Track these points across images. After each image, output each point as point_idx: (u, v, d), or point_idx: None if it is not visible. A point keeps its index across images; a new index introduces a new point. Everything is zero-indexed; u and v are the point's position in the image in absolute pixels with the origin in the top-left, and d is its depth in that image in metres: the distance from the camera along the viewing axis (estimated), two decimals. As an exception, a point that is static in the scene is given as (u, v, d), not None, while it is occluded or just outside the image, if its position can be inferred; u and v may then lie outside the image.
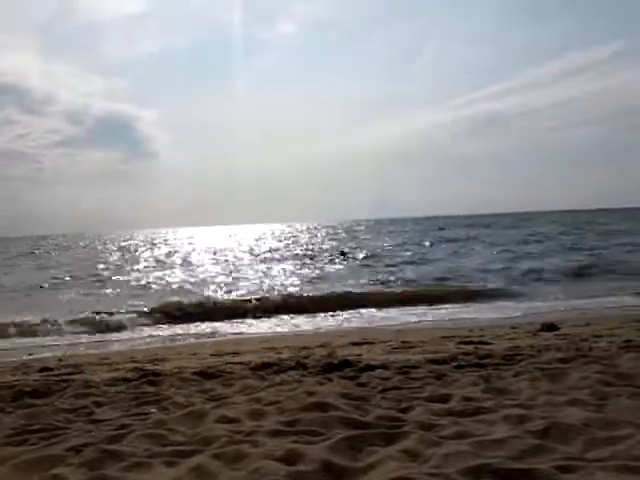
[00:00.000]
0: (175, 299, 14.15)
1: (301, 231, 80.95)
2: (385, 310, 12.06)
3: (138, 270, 26.12)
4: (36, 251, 50.22)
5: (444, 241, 38.07)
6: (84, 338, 10.45)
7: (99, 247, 56.22)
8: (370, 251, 31.00)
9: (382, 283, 16.95)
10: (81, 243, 69.62)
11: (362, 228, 79.32)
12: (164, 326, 11.46)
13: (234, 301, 13.87)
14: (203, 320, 11.79)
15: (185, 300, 13.85)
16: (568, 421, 3.03)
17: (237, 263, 28.14)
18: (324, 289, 15.54)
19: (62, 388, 4.69)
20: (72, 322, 11.38)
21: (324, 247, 38.23)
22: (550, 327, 7.57)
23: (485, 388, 3.99)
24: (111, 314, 11.78)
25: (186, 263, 29.72)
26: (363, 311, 12.10)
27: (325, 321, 11.33)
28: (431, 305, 12.34)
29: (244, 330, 10.82)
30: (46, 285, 20.24)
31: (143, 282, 20.60)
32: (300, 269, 23.30)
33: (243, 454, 2.83)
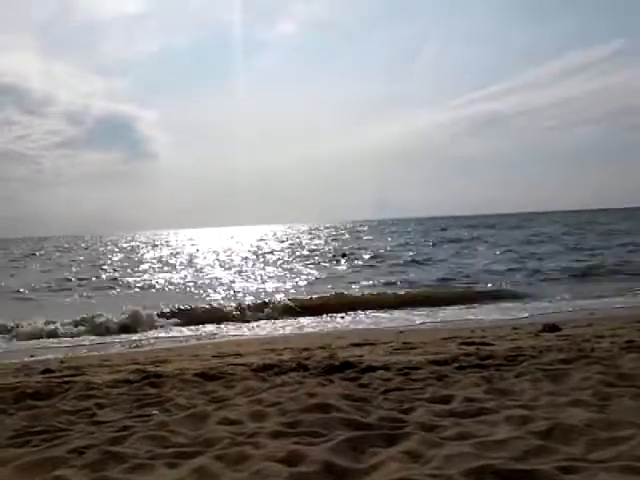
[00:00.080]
0: (176, 301, 14.18)
1: (303, 232, 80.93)
2: (388, 312, 12.03)
3: (142, 272, 26.15)
4: (38, 252, 50.29)
5: (447, 241, 38.05)
6: (86, 340, 10.46)
7: (101, 249, 56.25)
8: (373, 252, 31.00)
9: (385, 284, 16.93)
10: (82, 244, 69.67)
11: (365, 229, 79.32)
12: (166, 328, 11.46)
13: (237, 303, 13.83)
14: (204, 322, 11.79)
15: (186, 302, 13.87)
16: (570, 422, 3.03)
17: (240, 265, 28.14)
18: (326, 290, 15.54)
19: (64, 390, 4.69)
20: (74, 324, 11.39)
21: (327, 248, 38.22)
22: (552, 328, 7.57)
23: (487, 389, 3.99)
24: (113, 316, 11.77)
25: (190, 265, 29.74)
26: (365, 313, 12.07)
27: (326, 322, 11.32)
28: (434, 307, 12.31)
29: (245, 332, 10.82)
30: (49, 287, 20.26)
31: (147, 284, 20.62)
32: (302, 270, 23.30)
33: (245, 455, 2.83)
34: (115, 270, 27.79)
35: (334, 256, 30.22)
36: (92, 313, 11.99)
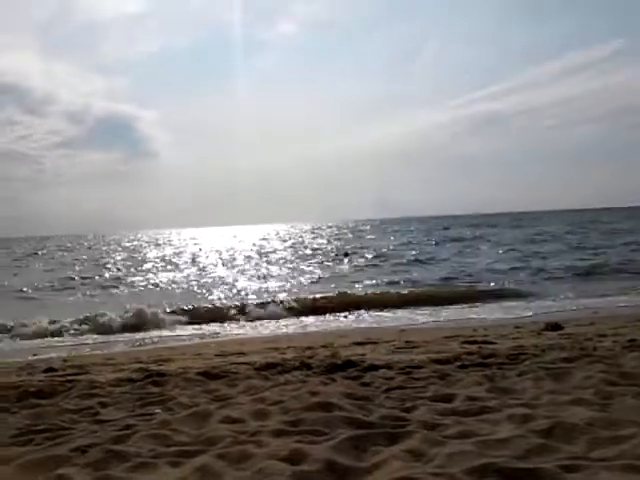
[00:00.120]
0: (179, 300, 14.21)
1: (305, 231, 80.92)
2: (391, 311, 12.03)
3: (145, 271, 26.18)
4: (40, 252, 50.38)
5: (449, 240, 37.99)
6: (89, 339, 10.48)
7: (104, 248, 56.33)
8: (376, 251, 30.99)
9: (388, 284, 16.90)
10: (85, 244, 69.78)
11: (367, 228, 79.27)
12: (169, 326, 11.47)
13: (240, 302, 13.85)
14: (207, 321, 11.81)
15: (189, 301, 13.90)
16: (572, 420, 3.03)
17: (242, 264, 28.16)
18: (329, 289, 15.55)
19: (67, 389, 4.70)
20: (77, 322, 11.41)
21: (330, 247, 38.20)
22: (554, 326, 7.57)
23: (489, 387, 3.99)
24: (117, 315, 11.79)
25: (193, 264, 29.77)
26: (368, 312, 12.07)
27: (329, 321, 11.33)
28: (437, 306, 12.30)
29: (248, 330, 10.83)
30: (52, 286, 20.30)
31: (150, 283, 20.65)
32: (305, 269, 23.30)
33: (247, 454, 2.84)
34: (118, 269, 27.84)
35: (337, 255, 30.22)
36: (95, 312, 12.03)
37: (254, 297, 15.12)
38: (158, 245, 57.77)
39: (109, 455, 2.90)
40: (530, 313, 10.66)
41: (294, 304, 12.97)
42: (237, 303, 13.48)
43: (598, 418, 3.06)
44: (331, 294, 14.23)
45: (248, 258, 31.96)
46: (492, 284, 15.65)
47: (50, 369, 6.06)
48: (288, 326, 11.08)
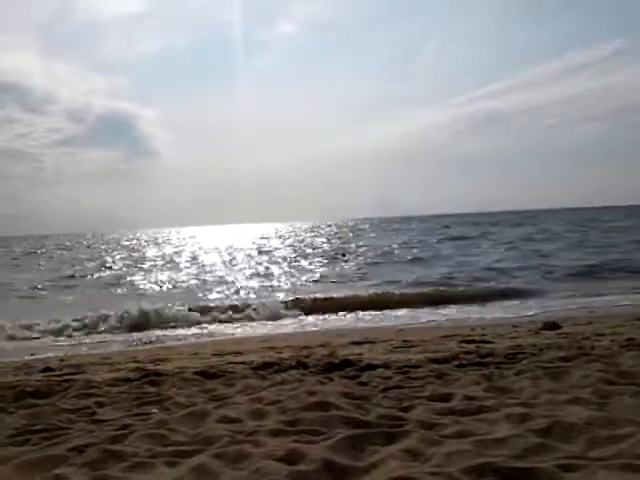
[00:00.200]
0: (178, 299, 14.20)
1: (305, 230, 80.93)
2: (391, 310, 12.01)
3: (144, 269, 26.15)
4: (39, 250, 50.35)
5: (450, 239, 37.92)
6: (86, 338, 10.48)
7: (103, 246, 56.29)
8: (377, 249, 30.98)
9: (389, 282, 16.87)
10: (84, 242, 69.73)
11: (367, 227, 79.25)
12: (166, 326, 11.46)
13: (238, 301, 13.85)
14: (206, 320, 11.80)
15: (188, 300, 13.90)
16: (570, 420, 3.02)
17: (242, 262, 28.14)
18: (328, 288, 15.54)
19: (64, 388, 4.70)
20: (75, 321, 11.40)
21: (330, 247, 38.17)
22: (552, 326, 7.58)
23: (487, 387, 3.98)
24: (114, 314, 11.78)
25: (193, 262, 29.73)
26: (367, 311, 12.06)
27: (327, 320, 11.33)
28: (438, 305, 12.30)
29: (245, 330, 10.83)
30: (51, 284, 20.27)
31: (148, 282, 20.63)
32: (305, 268, 23.29)
33: (245, 454, 2.83)
34: (117, 268, 27.82)
35: (336, 254, 30.21)
36: (93, 311, 12.01)
37: (252, 296, 15.12)
38: (157, 244, 57.73)
39: (106, 455, 2.89)
40: (528, 312, 10.66)
41: (291, 303, 12.96)
42: (235, 302, 13.48)
43: (596, 417, 3.06)
44: (330, 293, 14.22)
45: (248, 256, 31.95)
46: (492, 283, 15.64)
47: (47, 369, 6.05)
48: (285, 325, 11.08)
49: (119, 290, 18.70)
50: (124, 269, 26.94)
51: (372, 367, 4.94)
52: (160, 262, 30.69)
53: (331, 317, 11.68)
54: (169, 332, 10.83)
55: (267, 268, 23.89)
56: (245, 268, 24.64)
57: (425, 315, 11.04)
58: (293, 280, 19.03)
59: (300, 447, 2.84)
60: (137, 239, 77.18)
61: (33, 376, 5.64)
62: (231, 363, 5.69)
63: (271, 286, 17.61)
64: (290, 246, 41.26)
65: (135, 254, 40.44)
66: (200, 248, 44.45)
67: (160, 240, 68.78)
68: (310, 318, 11.69)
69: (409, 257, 25.64)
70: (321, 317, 11.73)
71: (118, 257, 37.25)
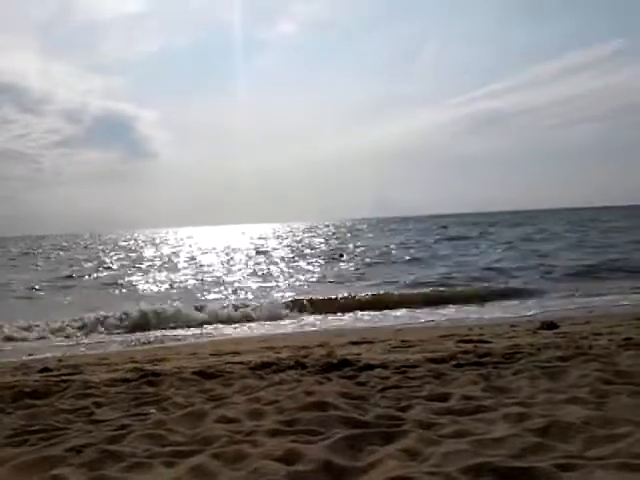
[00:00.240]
0: (175, 299, 14.19)
1: (303, 230, 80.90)
2: (389, 310, 12.00)
3: (141, 270, 26.11)
4: (36, 251, 50.25)
5: (448, 239, 37.93)
6: (84, 338, 10.46)
7: (100, 247, 56.20)
8: (375, 250, 30.96)
9: (387, 283, 16.85)
10: (82, 243, 69.60)
11: (364, 227, 79.22)
12: (164, 326, 11.44)
13: (236, 302, 13.84)
14: (203, 320, 11.78)
15: (185, 300, 13.88)
16: (568, 419, 3.03)
17: (239, 263, 28.11)
18: (326, 289, 15.53)
19: (62, 389, 4.69)
20: (73, 322, 11.37)
21: (328, 247, 38.15)
22: (550, 325, 7.59)
23: (485, 387, 3.99)
24: (112, 314, 11.76)
25: (190, 263, 29.69)
26: (365, 312, 12.05)
27: (325, 321, 11.32)
28: (436, 305, 12.29)
29: (243, 330, 10.82)
30: (48, 285, 20.24)
31: (146, 282, 20.60)
32: (303, 269, 23.27)
33: (243, 454, 2.83)
34: (114, 268, 27.78)
35: (333, 254, 30.20)
36: (91, 311, 12.00)
37: (249, 296, 15.11)
38: (155, 244, 57.65)
39: (104, 455, 2.89)
40: (527, 312, 10.67)
41: (290, 303, 12.94)
42: (233, 302, 13.46)
43: (594, 417, 3.07)
44: (329, 294, 14.20)
45: (246, 257, 31.92)
46: (490, 283, 15.63)
47: (45, 369, 6.04)
48: (284, 325, 11.08)
49: (117, 291, 18.68)
50: (120, 269, 26.89)
51: (370, 367, 4.94)
52: (158, 262, 30.66)
53: (329, 317, 11.68)
54: (167, 332, 10.81)
55: (265, 268, 23.87)
56: (243, 268, 24.62)
57: (423, 315, 11.04)
58: (291, 280, 19.02)
59: (298, 447, 2.84)
60: (135, 239, 77.08)
61: (31, 376, 5.63)
62: (229, 363, 5.69)
63: (269, 286, 17.59)
64: (288, 246, 41.24)
65: (133, 254, 40.39)
66: (198, 248, 44.42)
67: (158, 240, 68.72)
68: (308, 318, 11.69)
69: (407, 257, 25.64)
70: (319, 317, 11.72)
71: (116, 257, 37.20)
